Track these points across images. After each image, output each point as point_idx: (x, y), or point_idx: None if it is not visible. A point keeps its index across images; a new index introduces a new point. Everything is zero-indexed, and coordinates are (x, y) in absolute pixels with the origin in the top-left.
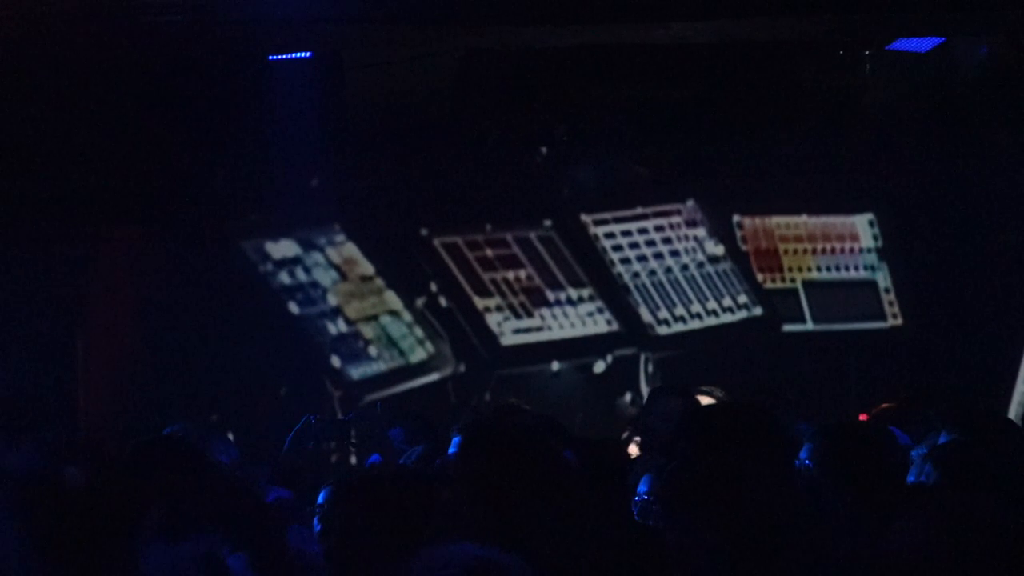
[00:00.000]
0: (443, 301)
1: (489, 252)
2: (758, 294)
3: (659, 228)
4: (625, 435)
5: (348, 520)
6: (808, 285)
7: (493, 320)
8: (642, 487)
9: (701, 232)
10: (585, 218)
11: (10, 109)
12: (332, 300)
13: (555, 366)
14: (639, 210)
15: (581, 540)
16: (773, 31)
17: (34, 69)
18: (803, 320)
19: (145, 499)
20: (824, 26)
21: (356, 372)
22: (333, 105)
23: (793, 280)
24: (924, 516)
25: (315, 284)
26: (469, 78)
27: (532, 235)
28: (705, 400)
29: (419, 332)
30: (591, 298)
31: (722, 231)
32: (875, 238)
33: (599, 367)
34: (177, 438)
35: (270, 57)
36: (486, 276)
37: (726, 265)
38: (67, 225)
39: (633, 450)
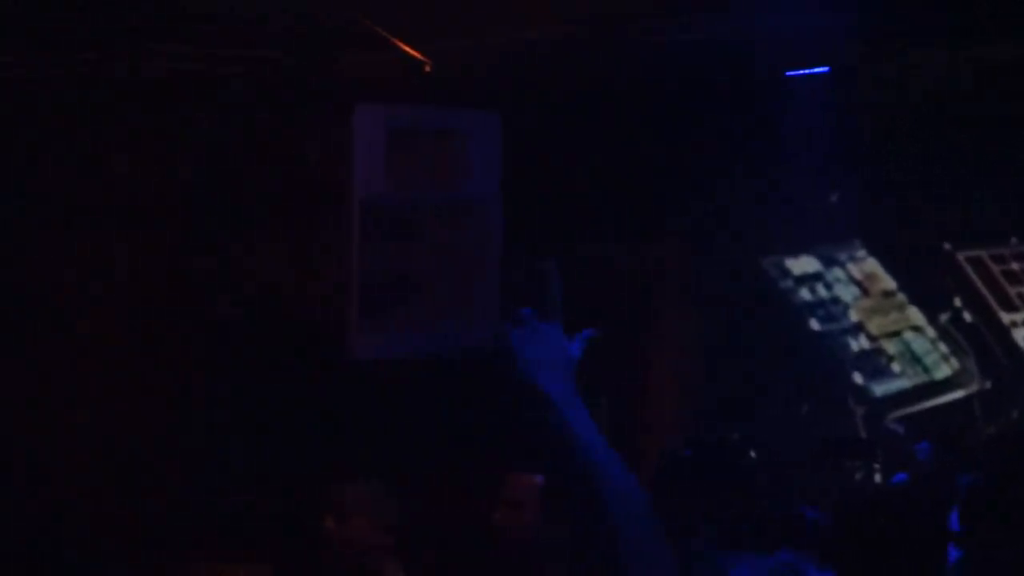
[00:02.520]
0: (968, 316)
1: (1015, 266)
2: None
3: None
4: None
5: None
6: None
7: (1020, 335)
8: None
9: None
10: None
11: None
12: (853, 316)
13: None
14: None
15: None
16: None
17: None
18: None
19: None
20: None
21: (879, 389)
22: (850, 119)
23: None
24: None
25: (836, 300)
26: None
27: None
28: None
29: (943, 348)
30: None
31: None
32: None
33: None
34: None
35: (787, 73)
36: (1012, 290)
37: None
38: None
39: None
